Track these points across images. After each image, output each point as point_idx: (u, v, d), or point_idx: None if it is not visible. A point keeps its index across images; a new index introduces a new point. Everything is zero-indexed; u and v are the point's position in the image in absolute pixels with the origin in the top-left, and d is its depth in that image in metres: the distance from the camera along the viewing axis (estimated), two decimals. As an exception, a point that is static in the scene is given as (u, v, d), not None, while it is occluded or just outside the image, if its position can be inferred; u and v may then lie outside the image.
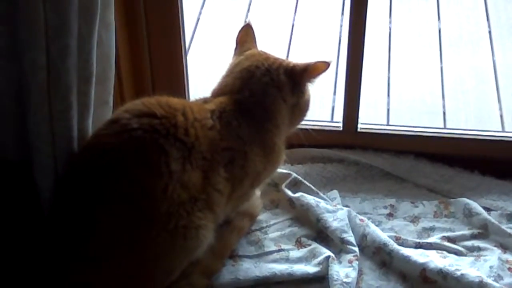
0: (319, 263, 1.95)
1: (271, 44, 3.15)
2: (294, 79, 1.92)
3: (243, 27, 2.04)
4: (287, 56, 3.26)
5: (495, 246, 2.04)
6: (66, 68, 1.65)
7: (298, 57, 3.16)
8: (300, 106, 1.97)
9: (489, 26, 3.47)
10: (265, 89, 1.90)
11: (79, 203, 1.68)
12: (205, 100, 1.91)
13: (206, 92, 1.97)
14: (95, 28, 1.68)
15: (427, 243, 2.04)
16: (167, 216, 1.68)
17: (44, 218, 1.78)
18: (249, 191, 1.98)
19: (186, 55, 2.30)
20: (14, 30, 1.62)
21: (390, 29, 3.46)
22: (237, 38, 2.03)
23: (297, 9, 3.62)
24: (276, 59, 1.95)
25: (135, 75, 2.25)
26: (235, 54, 2.02)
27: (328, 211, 2.08)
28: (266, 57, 1.95)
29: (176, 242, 1.71)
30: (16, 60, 1.66)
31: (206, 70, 2.89)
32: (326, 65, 1.90)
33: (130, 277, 1.71)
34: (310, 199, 2.11)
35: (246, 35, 2.03)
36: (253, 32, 2.04)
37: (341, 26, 3.46)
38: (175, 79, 2.28)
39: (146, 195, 1.66)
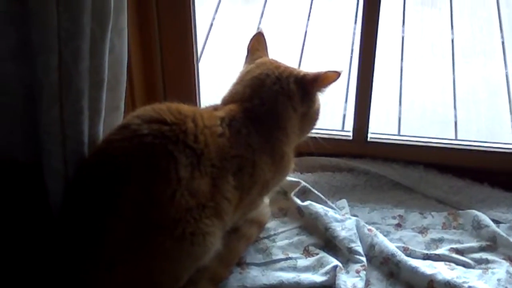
0: (326, 272, 1.95)
1: (284, 51, 3.17)
2: (304, 88, 1.92)
3: (254, 35, 2.04)
4: (300, 63, 3.26)
5: (503, 259, 2.03)
6: (78, 72, 1.65)
7: (311, 65, 3.19)
8: (310, 115, 1.97)
9: (502, 37, 3.45)
10: (275, 97, 1.89)
11: (88, 208, 1.68)
12: (215, 108, 1.91)
13: (217, 99, 1.96)
14: (107, 32, 1.68)
15: (435, 254, 2.03)
16: (174, 222, 1.68)
17: (53, 222, 1.79)
18: (257, 200, 1.98)
19: (198, 61, 2.30)
20: (26, 31, 1.63)
21: (403, 38, 3.45)
22: (248, 46, 2.03)
23: (310, 16, 3.62)
24: (286, 67, 1.95)
25: (147, 81, 2.25)
26: (246, 62, 2.02)
27: (337, 220, 2.08)
28: (277, 65, 1.95)
29: (183, 248, 1.71)
30: (27, 61, 1.67)
31: (217, 77, 2.90)
32: (337, 74, 1.89)
33: (137, 283, 1.71)
34: (318, 207, 2.11)
35: (257, 43, 2.03)
36: (265, 40, 2.04)
37: (353, 34, 3.45)
38: (187, 85, 2.28)
39: (154, 201, 1.66)
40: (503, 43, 3.41)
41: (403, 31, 3.50)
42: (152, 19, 2.15)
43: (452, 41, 3.41)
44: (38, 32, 1.60)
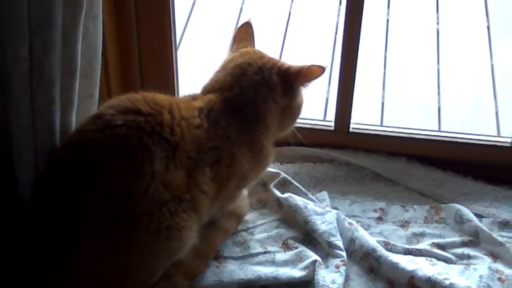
0: (305, 267, 1.92)
1: (266, 33, 3.11)
2: (287, 81, 1.88)
3: (242, 24, 2.00)
4: (282, 46, 3.22)
5: (485, 254, 2.01)
6: (49, 62, 1.61)
7: (293, 49, 3.14)
8: (291, 109, 1.92)
9: (488, 21, 3.42)
10: (256, 87, 1.85)
11: (59, 201, 1.64)
12: (193, 97, 1.87)
13: (197, 88, 1.91)
14: (80, 21, 1.64)
15: (416, 249, 2.01)
16: (148, 216, 1.64)
17: (23, 214, 1.75)
18: (235, 192, 1.95)
19: (176, 49, 2.26)
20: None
21: (387, 21, 3.41)
22: (235, 35, 2.00)
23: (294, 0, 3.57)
24: (270, 58, 1.91)
25: (123, 69, 2.21)
26: (231, 50, 1.98)
27: (317, 214, 2.04)
28: (261, 56, 1.91)
29: (158, 242, 1.68)
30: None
31: (197, 65, 2.84)
32: (321, 69, 1.85)
33: (110, 276, 1.68)
34: (298, 200, 2.08)
35: (244, 33, 1.99)
36: (252, 31, 2.00)
37: (338, 16, 3.41)
38: (165, 73, 2.24)
39: (127, 194, 1.62)
40: (488, 27, 3.37)
41: (388, 14, 3.45)
42: (129, 5, 2.10)
43: (437, 30, 3.37)
44: (7, 21, 1.55)
